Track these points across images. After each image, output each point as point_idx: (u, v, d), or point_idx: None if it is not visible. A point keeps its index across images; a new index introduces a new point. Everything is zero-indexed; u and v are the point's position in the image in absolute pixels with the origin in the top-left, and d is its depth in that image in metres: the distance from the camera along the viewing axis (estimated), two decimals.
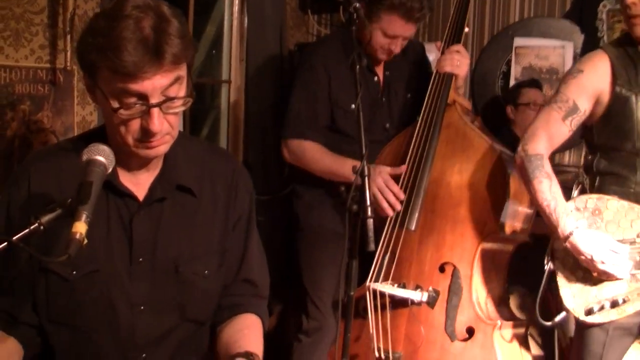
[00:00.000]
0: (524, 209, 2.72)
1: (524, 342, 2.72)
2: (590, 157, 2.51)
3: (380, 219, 2.77)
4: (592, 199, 2.41)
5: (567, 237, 2.32)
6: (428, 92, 2.88)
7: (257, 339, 1.78)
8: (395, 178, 2.81)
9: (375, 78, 3.14)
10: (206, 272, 1.77)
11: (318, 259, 3.16)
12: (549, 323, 2.45)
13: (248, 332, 1.79)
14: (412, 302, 2.66)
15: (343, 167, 2.87)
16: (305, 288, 3.19)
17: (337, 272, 2.93)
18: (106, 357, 1.72)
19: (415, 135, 2.83)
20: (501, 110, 4.10)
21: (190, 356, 1.84)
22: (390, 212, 2.76)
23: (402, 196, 2.75)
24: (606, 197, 2.39)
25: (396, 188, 2.76)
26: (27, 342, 1.69)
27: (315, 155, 3.04)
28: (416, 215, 2.74)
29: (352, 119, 2.87)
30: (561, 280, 2.41)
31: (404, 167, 2.80)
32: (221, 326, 1.86)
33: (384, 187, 2.76)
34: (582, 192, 2.49)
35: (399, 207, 2.75)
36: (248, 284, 1.90)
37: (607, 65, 2.38)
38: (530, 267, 2.91)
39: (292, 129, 3.07)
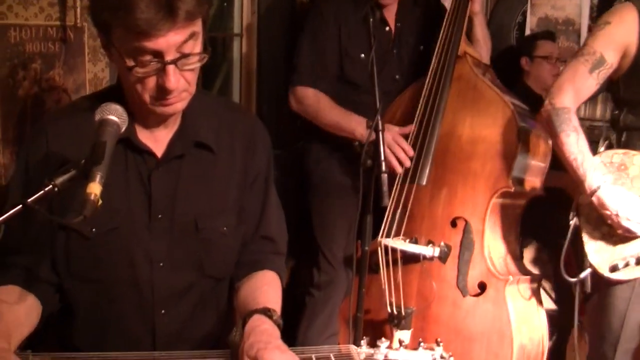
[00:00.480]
0: (537, 163, 2.71)
1: (536, 297, 2.73)
2: (616, 112, 2.50)
3: (391, 174, 2.75)
4: (618, 154, 2.40)
5: (593, 192, 2.31)
6: (439, 42, 2.84)
7: (276, 295, 1.80)
8: (404, 136, 2.80)
9: (387, 28, 3.09)
10: (225, 228, 1.79)
11: (329, 213, 3.16)
12: (573, 279, 2.45)
13: (267, 288, 1.81)
14: (424, 258, 2.66)
15: (350, 122, 2.87)
16: (316, 242, 3.20)
17: (349, 227, 2.94)
18: (126, 312, 1.75)
19: (425, 89, 2.80)
20: (516, 62, 4.04)
21: (209, 312, 1.87)
22: (399, 169, 2.75)
23: (411, 153, 2.74)
24: (632, 152, 2.38)
25: (405, 145, 2.75)
26: (46, 299, 1.72)
27: (321, 106, 3.00)
28: (427, 170, 2.72)
29: (361, 68, 2.85)
30: (586, 236, 2.41)
31: (411, 127, 2.79)
32: (240, 282, 1.88)
33: (393, 144, 2.73)
34: (609, 147, 2.48)
35: (408, 163, 2.73)
36: (267, 241, 1.92)
37: (635, 17, 2.34)
38: (544, 222, 2.91)
39: (299, 76, 3.04)
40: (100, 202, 1.33)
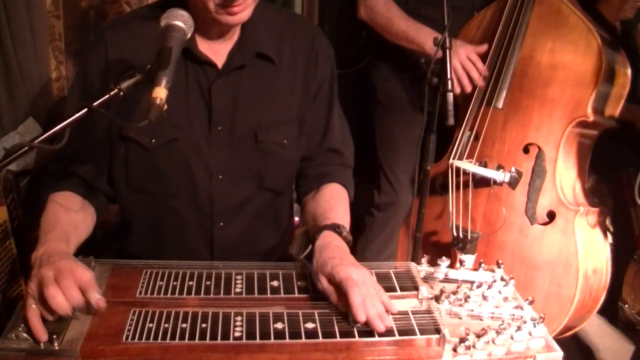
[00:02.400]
0: (616, 93, 2.58)
1: (602, 230, 2.65)
2: None
3: (465, 95, 2.67)
4: None
5: None
6: None
7: (344, 210, 1.78)
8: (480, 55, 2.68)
9: None
10: (285, 141, 1.76)
11: (393, 133, 3.09)
12: None
13: (336, 202, 1.80)
14: (494, 182, 2.61)
15: (419, 34, 2.73)
16: (378, 162, 3.15)
17: (413, 147, 2.87)
18: (184, 224, 1.76)
19: (506, 10, 2.66)
20: None
21: (267, 226, 1.88)
22: (468, 89, 2.65)
23: (485, 72, 2.64)
24: None
25: (480, 63, 2.64)
26: (100, 210, 1.75)
27: (392, 14, 2.86)
28: (504, 93, 2.63)
29: None
30: None
31: (485, 47, 2.67)
32: (307, 197, 1.88)
33: (466, 61, 2.63)
34: None
35: (481, 83, 2.63)
36: (333, 153, 1.90)
37: None
38: (606, 154, 2.79)
39: None
40: (165, 107, 1.30)
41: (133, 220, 1.79)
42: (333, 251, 1.52)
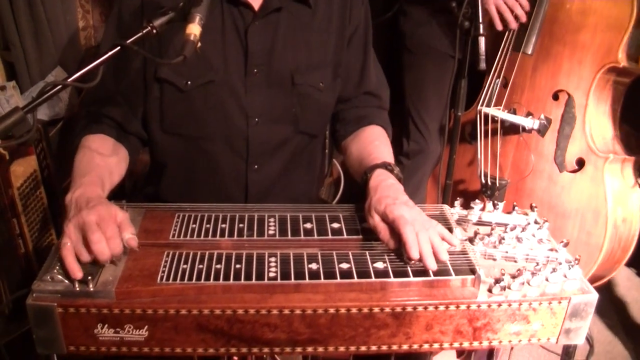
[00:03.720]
0: None
1: (633, 179, 2.63)
2: None
3: (492, 42, 2.62)
4: None
5: None
6: None
7: (389, 150, 1.77)
8: None
9: None
10: (321, 84, 1.75)
11: (423, 80, 3.04)
12: None
13: (379, 143, 1.78)
14: (523, 129, 2.58)
15: None
16: (408, 109, 3.12)
17: (443, 95, 2.84)
18: (218, 167, 1.76)
19: None
20: None
21: (300, 169, 1.87)
22: (514, 25, 2.58)
23: (528, 6, 2.56)
24: None
25: None
26: (133, 152, 1.74)
27: None
28: (534, 38, 2.58)
29: None
30: None
31: None
32: (348, 139, 1.87)
33: None
34: None
35: (524, 19, 2.57)
36: (370, 96, 1.89)
37: None
38: (635, 105, 2.75)
39: None
40: (199, 44, 1.29)
41: (166, 164, 1.79)
42: (388, 189, 1.51)
